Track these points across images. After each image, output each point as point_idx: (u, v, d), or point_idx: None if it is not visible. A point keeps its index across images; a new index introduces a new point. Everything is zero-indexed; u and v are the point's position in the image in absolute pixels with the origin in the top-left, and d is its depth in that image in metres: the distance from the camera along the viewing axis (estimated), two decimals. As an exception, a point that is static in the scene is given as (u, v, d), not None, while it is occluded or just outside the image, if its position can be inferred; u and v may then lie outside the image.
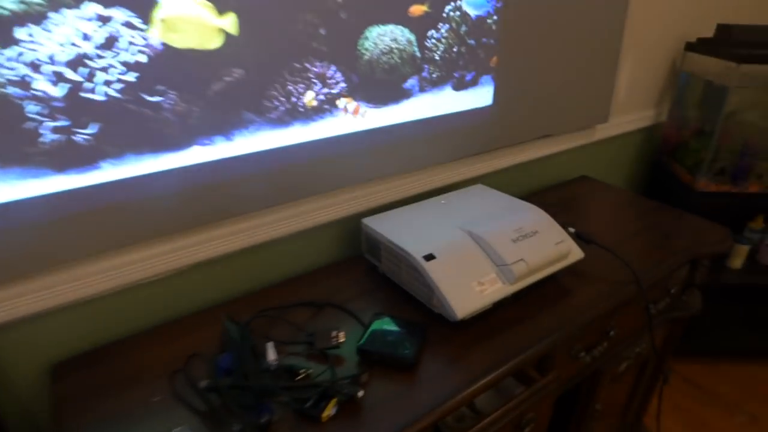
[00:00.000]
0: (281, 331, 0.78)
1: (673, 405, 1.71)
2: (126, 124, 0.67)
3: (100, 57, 0.63)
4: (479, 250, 0.83)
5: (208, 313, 0.83)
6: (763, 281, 1.69)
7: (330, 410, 0.62)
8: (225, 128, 0.75)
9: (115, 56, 0.64)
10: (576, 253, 0.91)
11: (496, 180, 1.27)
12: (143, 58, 0.66)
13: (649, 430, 1.60)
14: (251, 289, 0.94)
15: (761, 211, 1.65)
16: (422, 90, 0.97)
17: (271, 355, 0.70)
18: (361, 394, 0.64)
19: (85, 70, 0.62)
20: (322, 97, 0.84)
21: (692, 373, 1.82)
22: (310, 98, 0.83)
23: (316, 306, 0.83)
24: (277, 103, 0.79)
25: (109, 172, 0.68)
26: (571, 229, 0.99)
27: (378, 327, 0.75)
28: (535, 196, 1.28)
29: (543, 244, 0.86)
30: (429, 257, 0.79)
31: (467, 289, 0.77)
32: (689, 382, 1.79)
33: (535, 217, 0.91)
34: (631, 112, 1.55)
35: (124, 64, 0.65)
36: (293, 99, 0.81)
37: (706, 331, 1.87)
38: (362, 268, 0.96)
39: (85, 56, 0.62)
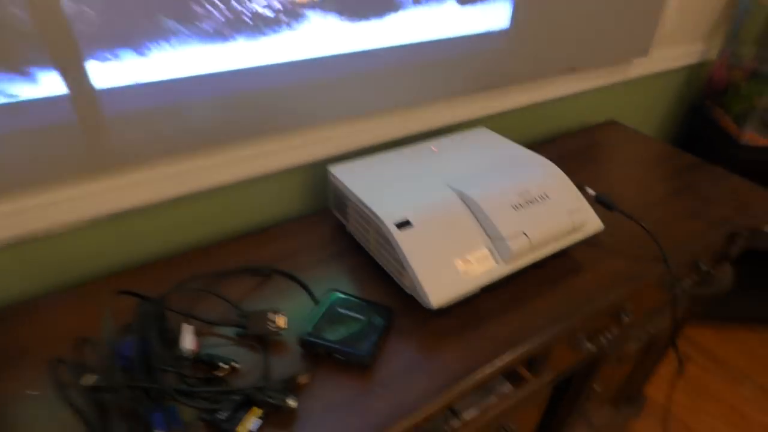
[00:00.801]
0: (212, 308, 0.63)
1: (675, 369, 1.60)
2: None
3: None
4: (470, 217, 0.65)
5: (128, 277, 0.68)
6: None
7: (249, 424, 0.48)
8: (134, 38, 0.56)
9: None
10: (593, 225, 0.73)
11: (504, 123, 1.07)
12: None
13: (649, 400, 1.50)
14: (185, 248, 0.78)
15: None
16: (416, 1, 0.75)
17: (187, 341, 0.54)
18: (294, 404, 0.50)
19: None
20: (278, 4, 0.63)
21: (702, 338, 1.69)
22: (259, 4, 0.62)
23: (260, 273, 0.67)
24: (211, 8, 0.59)
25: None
26: (591, 191, 0.80)
27: (330, 309, 0.60)
28: (550, 144, 1.08)
29: (553, 213, 0.68)
30: (403, 224, 0.62)
31: (449, 267, 0.60)
32: (698, 347, 1.66)
33: (546, 175, 0.72)
34: (676, 45, 1.29)
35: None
36: (235, 4, 0.60)
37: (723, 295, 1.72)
38: (330, 225, 0.79)
39: None
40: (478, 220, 0.65)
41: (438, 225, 0.63)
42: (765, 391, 1.53)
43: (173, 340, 0.55)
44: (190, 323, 0.58)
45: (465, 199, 0.66)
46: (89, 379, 0.50)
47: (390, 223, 0.61)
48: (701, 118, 1.45)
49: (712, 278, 1.01)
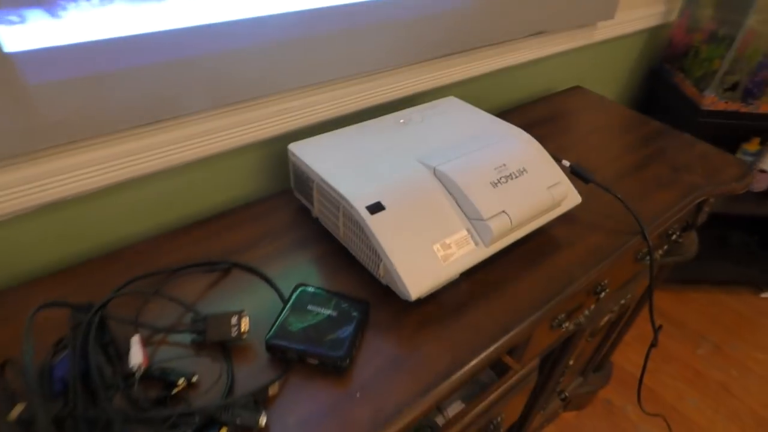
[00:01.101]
0: (161, 312, 0.55)
1: (638, 335, 1.64)
2: None
3: None
4: (446, 197, 0.60)
5: (59, 282, 0.59)
6: (749, 209, 1.54)
7: (214, 450, 0.42)
8: (44, -2, 0.46)
9: None
10: (573, 199, 0.69)
11: (470, 90, 1.01)
12: None
13: (615, 365, 1.53)
14: (126, 242, 0.70)
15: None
16: (378, -44, 0.67)
17: (136, 356, 0.47)
18: (263, 421, 0.44)
19: None
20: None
21: (660, 302, 1.74)
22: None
23: (216, 269, 0.60)
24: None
25: None
26: (566, 163, 0.76)
27: (299, 306, 0.53)
28: (516, 112, 1.03)
29: (532, 189, 0.63)
30: (375, 207, 0.56)
31: (427, 254, 0.55)
32: (657, 311, 1.71)
33: (523, 148, 0.67)
34: (637, 7, 1.26)
35: None
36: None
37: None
38: (292, 209, 0.72)
39: None
40: (455, 199, 0.60)
41: (412, 207, 0.57)
42: (720, 349, 1.59)
43: (118, 354, 0.48)
44: (137, 333, 0.50)
45: (440, 177, 0.61)
46: (17, 410, 0.42)
47: (361, 207, 0.55)
48: (661, 82, 1.44)
49: (680, 246, 1.01)
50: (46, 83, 0.50)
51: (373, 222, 0.54)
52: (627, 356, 1.56)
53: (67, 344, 0.47)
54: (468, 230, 0.59)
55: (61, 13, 0.48)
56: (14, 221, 0.58)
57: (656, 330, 0.83)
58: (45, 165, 0.56)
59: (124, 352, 0.48)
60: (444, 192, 0.60)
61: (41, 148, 0.53)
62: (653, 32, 1.42)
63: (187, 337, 0.52)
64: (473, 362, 0.52)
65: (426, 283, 0.54)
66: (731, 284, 1.81)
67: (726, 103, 1.28)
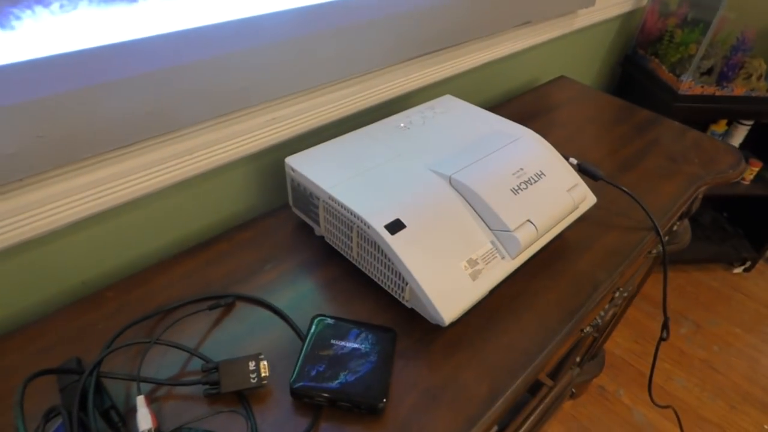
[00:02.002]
0: (162, 360, 0.49)
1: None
2: None
3: None
4: (466, 208, 0.55)
5: (31, 336, 0.51)
6: (715, 190, 1.58)
7: None
8: None
9: None
10: (589, 200, 0.66)
11: (460, 85, 0.97)
12: None
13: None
14: (109, 280, 0.62)
15: (745, 117, 1.48)
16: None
17: (144, 420, 0.41)
18: (302, 483, 0.39)
19: None
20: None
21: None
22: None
23: (219, 305, 0.54)
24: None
25: None
26: (573, 161, 0.73)
27: (320, 341, 0.48)
28: (507, 106, 1.00)
29: (553, 193, 0.60)
30: (395, 226, 0.51)
31: (455, 274, 0.51)
32: (639, 294, 1.73)
33: (536, 149, 0.64)
34: (613, -7, 1.25)
35: None
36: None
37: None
38: (290, 227, 0.66)
39: None
40: (475, 210, 0.56)
41: (433, 222, 0.53)
42: (700, 327, 1.63)
43: (123, 420, 0.41)
44: (137, 389, 0.44)
45: (457, 186, 0.56)
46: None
47: (379, 226, 0.50)
48: (636, 67, 1.44)
49: (675, 235, 1.01)
50: None
51: (395, 243, 0.49)
52: (614, 341, 1.58)
53: (60, 413, 0.41)
54: (492, 243, 0.55)
55: (15, 23, 0.40)
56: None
57: (664, 322, 0.81)
58: (7, 201, 0.48)
59: (126, 415, 0.42)
60: (463, 203, 0.56)
61: (7, 180, 0.46)
62: (625, 18, 1.41)
63: (197, 389, 0.46)
64: (514, 385, 0.49)
65: (458, 305, 0.50)
66: (705, 262, 1.85)
67: (702, 87, 1.29)
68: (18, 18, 0.39)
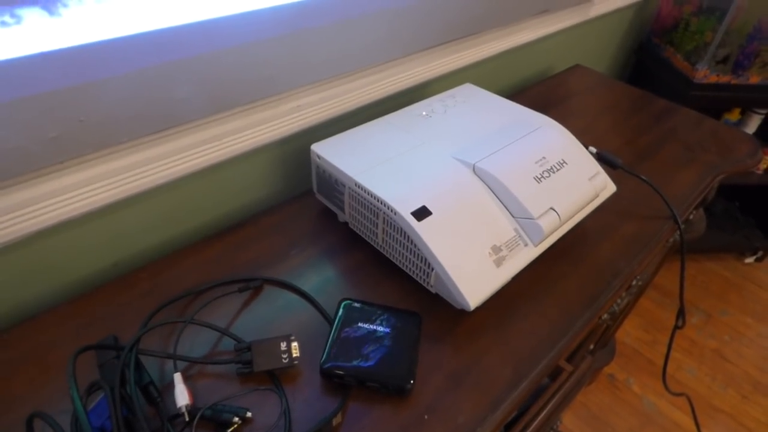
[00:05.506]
0: (195, 340, 0.50)
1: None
2: None
3: None
4: (490, 196, 0.56)
5: (74, 310, 0.53)
6: (727, 179, 1.57)
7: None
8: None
9: None
10: (609, 188, 0.67)
11: (478, 73, 0.97)
12: None
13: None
14: (140, 263, 0.64)
15: (760, 106, 1.47)
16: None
17: (182, 395, 0.42)
18: (335, 458, 0.40)
19: None
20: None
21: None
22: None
23: (247, 287, 0.55)
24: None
25: None
26: (593, 149, 0.73)
27: (349, 324, 0.49)
28: (525, 94, 1.00)
29: (575, 182, 0.61)
30: (422, 213, 0.52)
31: (480, 260, 0.52)
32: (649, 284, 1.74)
33: (558, 138, 0.64)
34: (629, -19, 1.24)
35: None
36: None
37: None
38: (314, 213, 0.67)
39: None
40: (499, 198, 0.56)
41: (458, 209, 0.54)
42: (711, 317, 1.64)
43: (160, 395, 0.43)
44: (174, 366, 0.45)
45: (480, 174, 0.57)
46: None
47: (406, 213, 0.51)
48: (650, 56, 1.43)
49: (691, 224, 1.01)
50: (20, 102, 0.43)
51: (421, 229, 0.50)
52: (624, 330, 1.59)
53: (101, 387, 0.42)
54: (516, 230, 0.55)
55: (62, 10, 0.41)
56: (9, 250, 0.51)
57: (680, 310, 0.82)
58: (30, 191, 0.49)
59: (164, 391, 0.44)
60: (487, 191, 0.57)
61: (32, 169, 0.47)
62: (640, 6, 1.40)
63: (229, 368, 0.47)
64: (537, 369, 0.50)
65: (483, 290, 0.51)
66: (716, 251, 1.85)
67: (717, 75, 1.28)
68: (65, 5, 0.40)
